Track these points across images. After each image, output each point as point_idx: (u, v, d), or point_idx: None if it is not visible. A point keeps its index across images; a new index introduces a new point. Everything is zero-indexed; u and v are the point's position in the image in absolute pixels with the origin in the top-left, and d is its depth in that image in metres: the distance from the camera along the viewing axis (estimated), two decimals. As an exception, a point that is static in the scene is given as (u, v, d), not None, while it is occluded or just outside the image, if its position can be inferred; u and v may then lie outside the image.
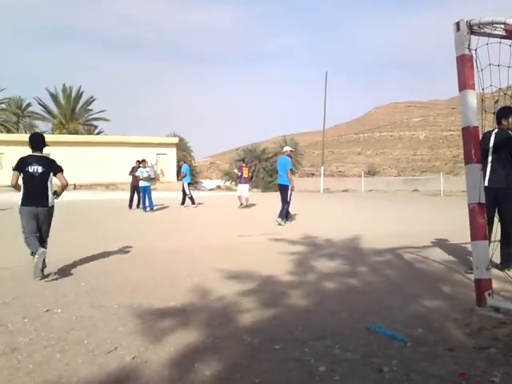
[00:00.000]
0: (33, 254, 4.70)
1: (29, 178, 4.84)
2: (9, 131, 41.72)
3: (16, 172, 4.87)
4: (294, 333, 3.12)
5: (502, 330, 2.93)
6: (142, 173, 14.21)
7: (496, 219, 4.76)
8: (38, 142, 5.06)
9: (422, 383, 2.35)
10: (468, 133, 3.30)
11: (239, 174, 15.63)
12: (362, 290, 4.28)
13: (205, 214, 13.61)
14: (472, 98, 3.26)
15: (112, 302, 3.89)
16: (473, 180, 3.30)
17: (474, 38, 3.24)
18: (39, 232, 4.90)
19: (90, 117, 45.59)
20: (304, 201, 17.54)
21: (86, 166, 29.82)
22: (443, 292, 4.17)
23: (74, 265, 5.49)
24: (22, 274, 4.83)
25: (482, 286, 3.25)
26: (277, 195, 10.55)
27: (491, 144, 4.77)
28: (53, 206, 5.00)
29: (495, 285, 3.48)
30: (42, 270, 4.78)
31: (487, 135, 4.70)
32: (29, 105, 46.64)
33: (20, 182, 4.89)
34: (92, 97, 44.71)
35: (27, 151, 5.01)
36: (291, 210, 10.29)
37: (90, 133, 44.03)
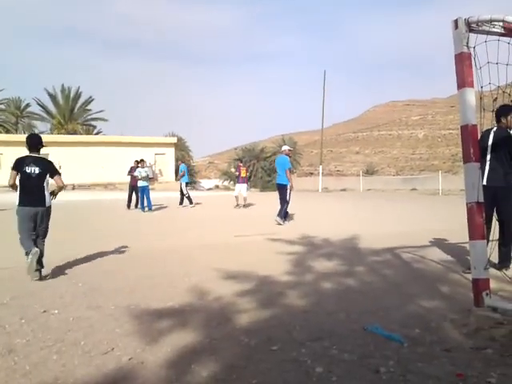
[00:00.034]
0: (27, 254, 4.70)
1: (26, 179, 4.85)
2: (8, 132, 41.69)
3: (14, 172, 4.88)
4: (291, 333, 3.12)
5: (499, 331, 2.92)
6: (140, 173, 14.20)
7: (494, 218, 4.74)
8: (35, 142, 5.08)
9: (419, 384, 2.35)
10: (467, 131, 3.29)
11: (237, 173, 15.65)
12: (360, 290, 4.28)
13: (203, 213, 13.60)
14: (470, 96, 3.23)
15: (109, 302, 3.88)
16: (471, 179, 3.28)
17: (472, 35, 3.22)
18: (36, 232, 4.90)
19: (89, 117, 45.66)
20: (302, 200, 17.54)
21: (84, 165, 29.82)
22: (441, 292, 4.17)
23: (72, 265, 5.49)
24: (21, 274, 4.82)
25: (480, 285, 3.24)
26: (275, 195, 10.54)
27: (490, 142, 4.74)
28: (50, 206, 5.02)
29: (493, 284, 3.48)
30: (40, 271, 4.78)
31: (486, 133, 4.68)
32: (28, 105, 46.75)
33: (17, 182, 4.89)
34: (91, 97, 44.85)
35: (26, 152, 5.04)
36: (289, 209, 10.28)
37: (88, 133, 44.03)
